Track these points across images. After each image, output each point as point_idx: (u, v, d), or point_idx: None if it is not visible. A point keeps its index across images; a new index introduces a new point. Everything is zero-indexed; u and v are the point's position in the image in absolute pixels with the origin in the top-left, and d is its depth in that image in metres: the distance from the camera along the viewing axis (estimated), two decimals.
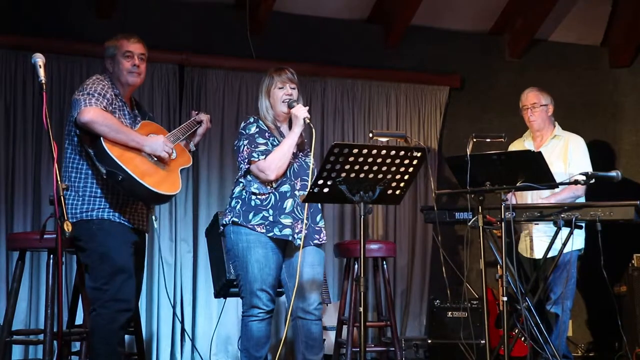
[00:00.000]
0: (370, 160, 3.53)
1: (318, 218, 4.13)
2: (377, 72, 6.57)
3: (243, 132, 4.07)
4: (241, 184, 4.07)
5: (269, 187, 4.01)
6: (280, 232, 3.97)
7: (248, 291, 4.01)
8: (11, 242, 4.52)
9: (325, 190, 3.59)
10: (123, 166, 3.75)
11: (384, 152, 3.53)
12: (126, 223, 3.96)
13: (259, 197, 4.01)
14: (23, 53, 5.44)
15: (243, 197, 4.04)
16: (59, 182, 3.28)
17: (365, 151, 3.50)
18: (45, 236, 3.53)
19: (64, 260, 5.15)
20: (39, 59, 3.46)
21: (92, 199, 3.91)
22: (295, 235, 3.99)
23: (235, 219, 4.01)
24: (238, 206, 4.03)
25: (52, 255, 4.10)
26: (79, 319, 4.51)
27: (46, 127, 3.34)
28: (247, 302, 4.03)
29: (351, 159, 3.49)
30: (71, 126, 3.94)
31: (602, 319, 6.28)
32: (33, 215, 5.53)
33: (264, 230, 3.97)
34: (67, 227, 3.23)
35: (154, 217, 4.20)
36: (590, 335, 6.75)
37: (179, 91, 5.98)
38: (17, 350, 5.21)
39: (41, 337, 4.13)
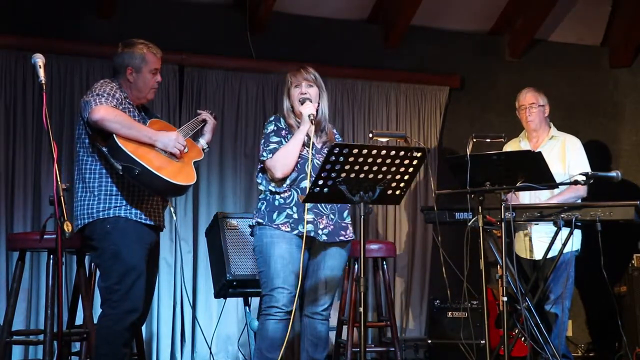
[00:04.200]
0: (370, 160, 3.52)
1: (345, 214, 4.13)
2: (377, 72, 6.57)
3: (264, 131, 4.16)
4: (262, 185, 4.11)
5: (284, 185, 4.02)
6: (304, 228, 3.96)
7: (269, 288, 3.98)
8: (11, 242, 4.52)
9: (325, 190, 3.59)
10: (138, 160, 3.75)
11: (384, 152, 3.53)
12: (143, 220, 3.95)
13: (281, 195, 4.02)
14: (23, 53, 5.44)
15: (267, 198, 4.07)
16: (59, 182, 3.28)
17: (365, 151, 3.50)
18: (45, 236, 3.53)
19: (64, 260, 5.16)
20: (39, 59, 3.46)
21: (107, 197, 3.91)
22: (320, 232, 3.99)
23: (260, 220, 4.03)
24: (263, 207, 4.06)
25: (52, 256, 4.10)
26: (79, 319, 4.52)
27: (46, 127, 3.35)
28: (267, 300, 3.99)
29: (351, 159, 3.49)
30: (81, 128, 3.94)
31: (602, 319, 6.28)
32: (33, 215, 5.53)
33: (289, 229, 3.97)
34: (67, 227, 3.23)
35: (172, 209, 4.21)
36: (590, 335, 6.75)
37: (179, 91, 5.98)
38: (17, 351, 5.20)
39: (41, 337, 4.14)
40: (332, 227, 4.04)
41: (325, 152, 4.08)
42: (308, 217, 3.97)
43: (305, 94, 4.11)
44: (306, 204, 3.97)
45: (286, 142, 4.05)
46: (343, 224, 4.11)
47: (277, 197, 4.03)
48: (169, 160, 3.91)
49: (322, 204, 4.00)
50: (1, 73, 5.50)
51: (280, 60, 5.83)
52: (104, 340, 3.87)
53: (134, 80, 4.02)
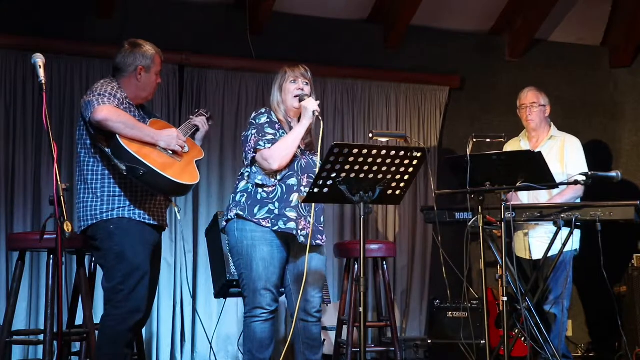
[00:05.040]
0: (370, 160, 3.52)
1: (322, 219, 4.11)
2: (377, 72, 6.57)
3: (253, 122, 4.06)
4: (246, 175, 4.03)
5: (273, 179, 3.97)
6: (285, 225, 3.93)
7: (251, 290, 3.96)
8: (11, 242, 4.52)
9: (325, 190, 3.59)
10: (143, 160, 3.74)
11: (384, 152, 3.53)
12: (146, 220, 3.95)
13: (265, 189, 3.97)
14: (23, 53, 5.44)
15: (249, 190, 4.00)
16: (59, 182, 3.28)
17: (365, 151, 3.49)
18: (45, 236, 3.52)
19: (64, 260, 5.16)
20: (39, 59, 3.45)
21: (111, 198, 3.90)
22: (299, 232, 3.94)
23: (240, 212, 3.96)
24: (243, 200, 3.99)
25: (52, 256, 4.10)
26: (79, 319, 4.51)
27: (46, 127, 3.34)
28: (250, 302, 3.97)
29: (351, 159, 3.49)
30: (83, 129, 3.93)
31: (602, 319, 6.29)
32: (33, 215, 5.52)
33: (269, 225, 3.93)
34: (67, 227, 3.22)
35: (177, 209, 4.21)
36: (590, 335, 6.75)
37: (179, 91, 5.98)
38: (17, 351, 5.20)
39: (41, 337, 4.13)
40: (308, 230, 3.99)
41: (308, 154, 4.09)
42: (290, 214, 3.94)
43: (303, 90, 4.08)
44: (294, 201, 3.94)
45: (280, 136, 4.00)
46: (320, 228, 4.08)
47: (260, 190, 3.97)
48: (173, 160, 3.92)
49: (302, 206, 3.96)
50: (1, 73, 5.50)
51: (280, 60, 5.79)
52: (107, 340, 3.87)
53: (142, 80, 4.03)
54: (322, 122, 3.93)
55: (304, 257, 3.98)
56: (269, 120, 4.05)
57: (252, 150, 4.00)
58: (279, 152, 3.94)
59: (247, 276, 3.96)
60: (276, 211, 3.95)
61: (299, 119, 4.10)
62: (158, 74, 4.10)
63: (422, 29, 6.65)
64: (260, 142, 3.97)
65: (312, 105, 3.98)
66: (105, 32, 5.72)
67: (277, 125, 4.05)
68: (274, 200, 3.96)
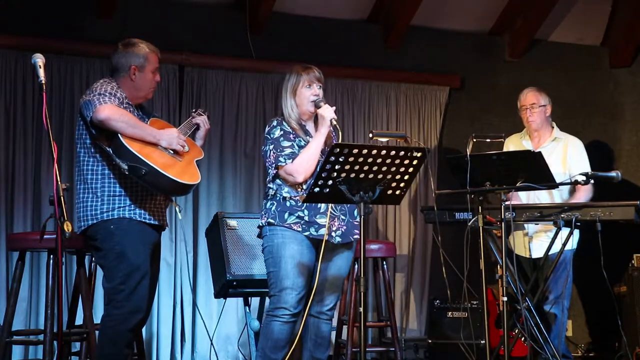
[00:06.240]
0: (370, 160, 3.52)
1: (355, 213, 4.07)
2: (377, 72, 6.57)
3: (268, 136, 4.04)
4: (272, 189, 4.03)
5: (299, 190, 3.96)
6: (317, 232, 3.94)
7: (277, 289, 3.94)
8: (11, 242, 4.53)
9: (326, 190, 3.59)
10: (145, 160, 3.74)
11: (384, 152, 3.53)
12: (147, 220, 3.95)
13: (292, 198, 3.97)
14: (23, 53, 5.44)
15: (277, 198, 3.99)
16: (59, 182, 3.28)
17: (365, 151, 3.49)
18: (45, 236, 3.53)
19: (64, 260, 5.16)
20: (39, 59, 3.46)
21: (111, 198, 3.90)
22: (334, 234, 3.96)
23: (271, 220, 3.97)
24: (273, 207, 3.99)
25: (52, 256, 4.10)
26: (79, 319, 4.52)
27: (46, 127, 3.35)
28: (275, 301, 3.96)
29: (351, 159, 3.49)
30: (82, 129, 3.93)
31: (602, 319, 6.29)
32: (33, 215, 5.52)
33: (300, 229, 3.94)
34: (67, 227, 3.22)
35: (177, 208, 4.22)
36: (590, 335, 6.75)
37: (179, 91, 5.97)
38: (17, 351, 5.20)
39: (41, 337, 4.14)
40: (344, 227, 4.01)
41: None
42: (321, 221, 3.94)
43: (318, 95, 4.05)
44: (322, 207, 3.94)
45: (297, 145, 3.99)
46: (355, 223, 4.05)
47: (288, 198, 3.98)
48: (174, 160, 3.92)
49: (333, 206, 3.96)
50: (1, 73, 5.50)
51: (280, 60, 5.83)
52: (108, 341, 3.87)
53: (137, 79, 4.01)
54: (340, 132, 3.90)
55: (336, 257, 4.03)
56: (282, 132, 4.02)
57: (274, 166, 3.98)
58: (302, 165, 3.93)
59: (275, 274, 3.96)
60: (306, 218, 3.95)
61: (314, 121, 4.10)
62: (155, 72, 4.08)
63: (422, 29, 6.65)
64: (280, 158, 3.96)
65: (329, 113, 3.96)
66: (105, 32, 5.71)
67: (291, 136, 4.02)
68: (303, 208, 3.96)
